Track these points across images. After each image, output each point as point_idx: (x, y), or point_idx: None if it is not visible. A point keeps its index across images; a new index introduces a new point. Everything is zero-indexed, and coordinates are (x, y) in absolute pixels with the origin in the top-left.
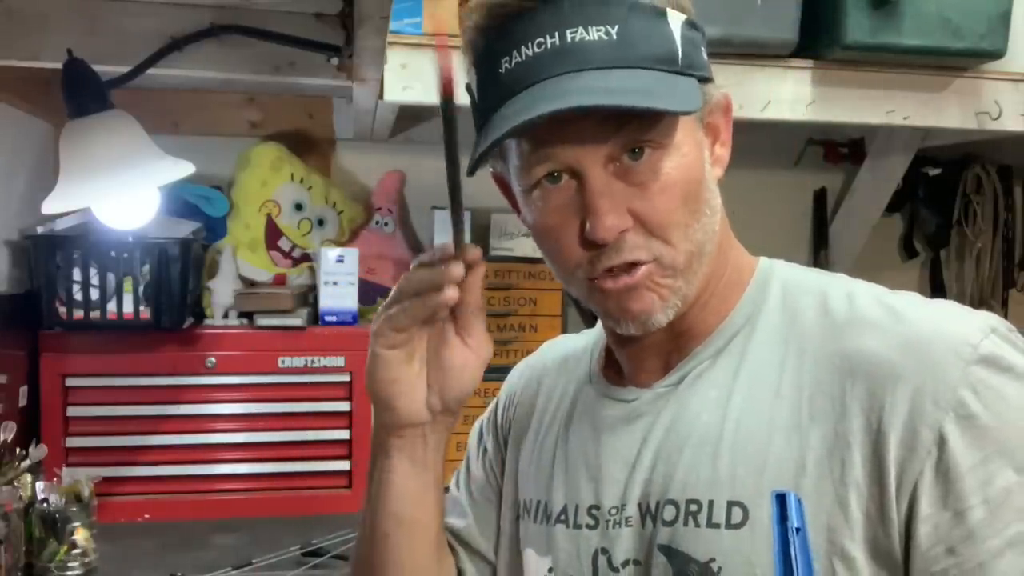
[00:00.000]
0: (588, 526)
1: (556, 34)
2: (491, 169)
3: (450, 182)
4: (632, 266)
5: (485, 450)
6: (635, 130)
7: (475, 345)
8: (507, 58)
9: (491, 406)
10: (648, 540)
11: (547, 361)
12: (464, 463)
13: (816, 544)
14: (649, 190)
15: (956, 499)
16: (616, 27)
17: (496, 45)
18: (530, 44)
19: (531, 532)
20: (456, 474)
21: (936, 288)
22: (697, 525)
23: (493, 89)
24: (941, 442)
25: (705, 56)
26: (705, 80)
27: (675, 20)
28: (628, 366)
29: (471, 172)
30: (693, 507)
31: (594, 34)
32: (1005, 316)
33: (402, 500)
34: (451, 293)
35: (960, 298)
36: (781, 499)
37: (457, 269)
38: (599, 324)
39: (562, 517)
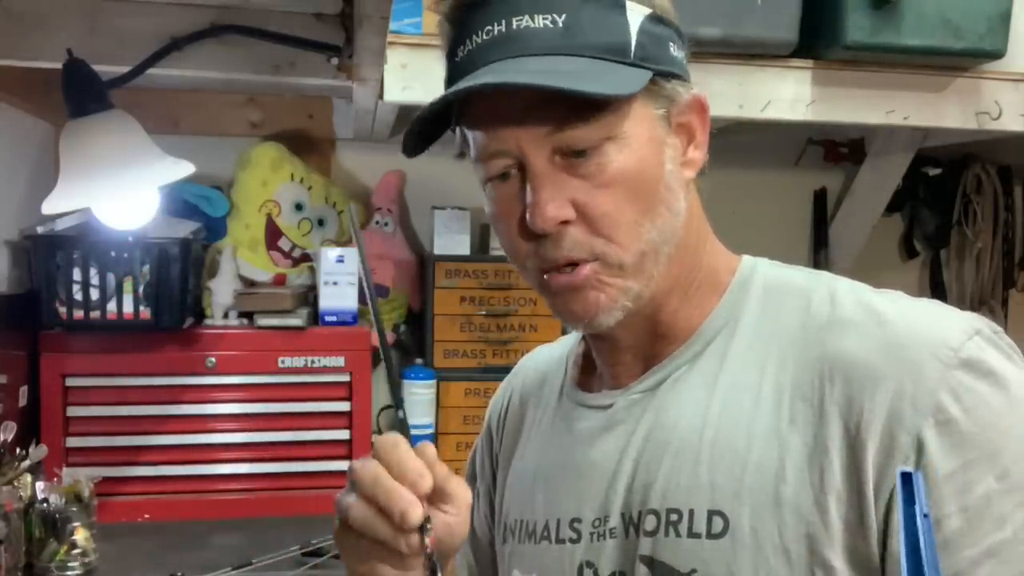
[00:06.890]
0: (571, 540)
1: (503, 22)
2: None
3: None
4: (574, 264)
5: (478, 495)
6: (576, 124)
7: (456, 509)
8: (462, 46)
9: (480, 439)
10: (631, 551)
11: (526, 380)
12: None
13: (797, 554)
14: (593, 183)
15: (933, 506)
16: (564, 16)
17: (456, 34)
18: (480, 32)
19: (516, 552)
20: None
21: (936, 288)
22: (678, 535)
23: (449, 76)
24: (919, 448)
25: (675, 53)
26: (671, 76)
27: (635, 13)
28: (605, 364)
29: (408, 153)
30: (674, 516)
31: (540, 22)
32: (1005, 316)
33: None
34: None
35: (960, 298)
36: (906, 478)
37: (413, 540)
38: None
39: (545, 533)
